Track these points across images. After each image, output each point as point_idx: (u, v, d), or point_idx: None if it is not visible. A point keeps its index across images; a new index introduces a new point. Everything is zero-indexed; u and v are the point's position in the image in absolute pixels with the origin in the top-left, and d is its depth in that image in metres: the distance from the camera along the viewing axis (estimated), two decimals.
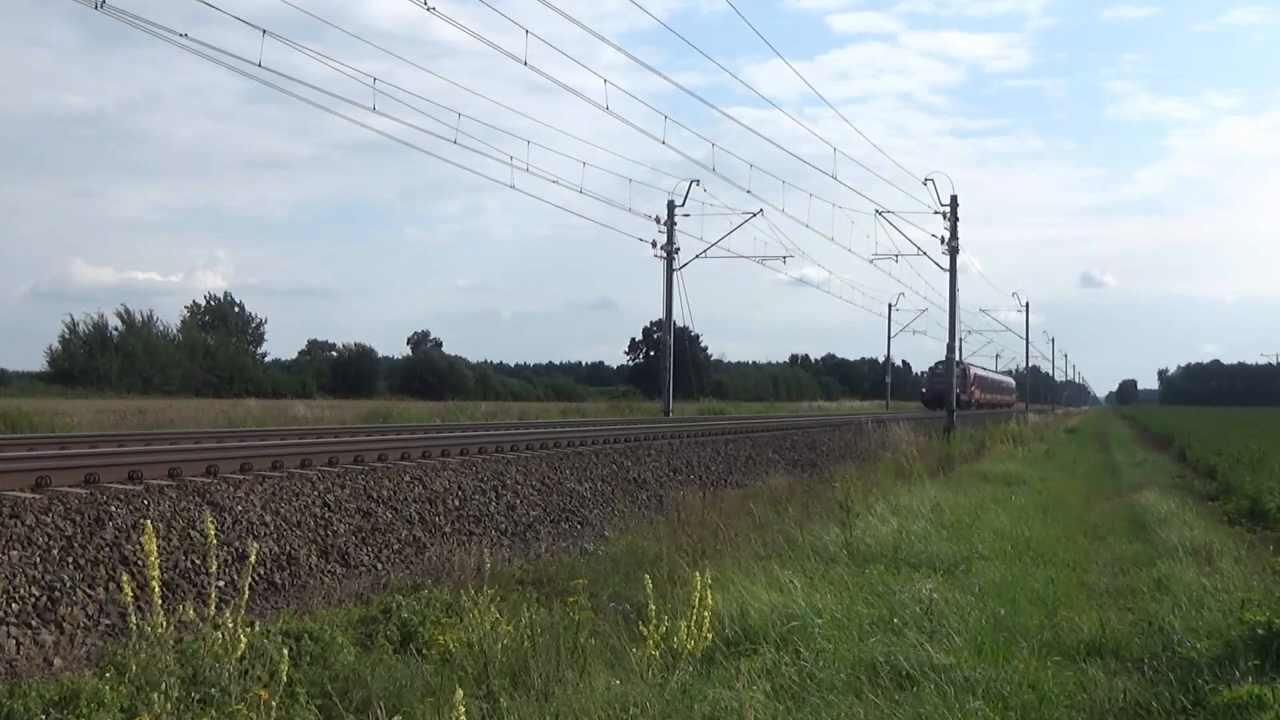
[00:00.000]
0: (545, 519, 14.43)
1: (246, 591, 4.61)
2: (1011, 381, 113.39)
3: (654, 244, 40.27)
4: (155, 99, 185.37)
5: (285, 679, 4.27)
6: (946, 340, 40.62)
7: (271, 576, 9.97)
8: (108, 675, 5.81)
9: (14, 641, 7.46)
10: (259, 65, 17.86)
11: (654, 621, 5.80)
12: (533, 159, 69.96)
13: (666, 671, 5.78)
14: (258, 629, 4.96)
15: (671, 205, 40.59)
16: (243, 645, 4.46)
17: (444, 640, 6.42)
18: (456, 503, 13.42)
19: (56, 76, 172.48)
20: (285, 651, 4.22)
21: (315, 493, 11.70)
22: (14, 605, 7.76)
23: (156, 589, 4.33)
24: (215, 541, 4.61)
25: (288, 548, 10.46)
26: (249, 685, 4.63)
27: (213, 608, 4.53)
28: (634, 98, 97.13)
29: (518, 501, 14.49)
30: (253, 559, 4.69)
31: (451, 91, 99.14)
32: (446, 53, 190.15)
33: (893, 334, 72.52)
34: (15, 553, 8.25)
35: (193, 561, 9.33)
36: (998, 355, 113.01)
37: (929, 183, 37.97)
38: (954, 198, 38.89)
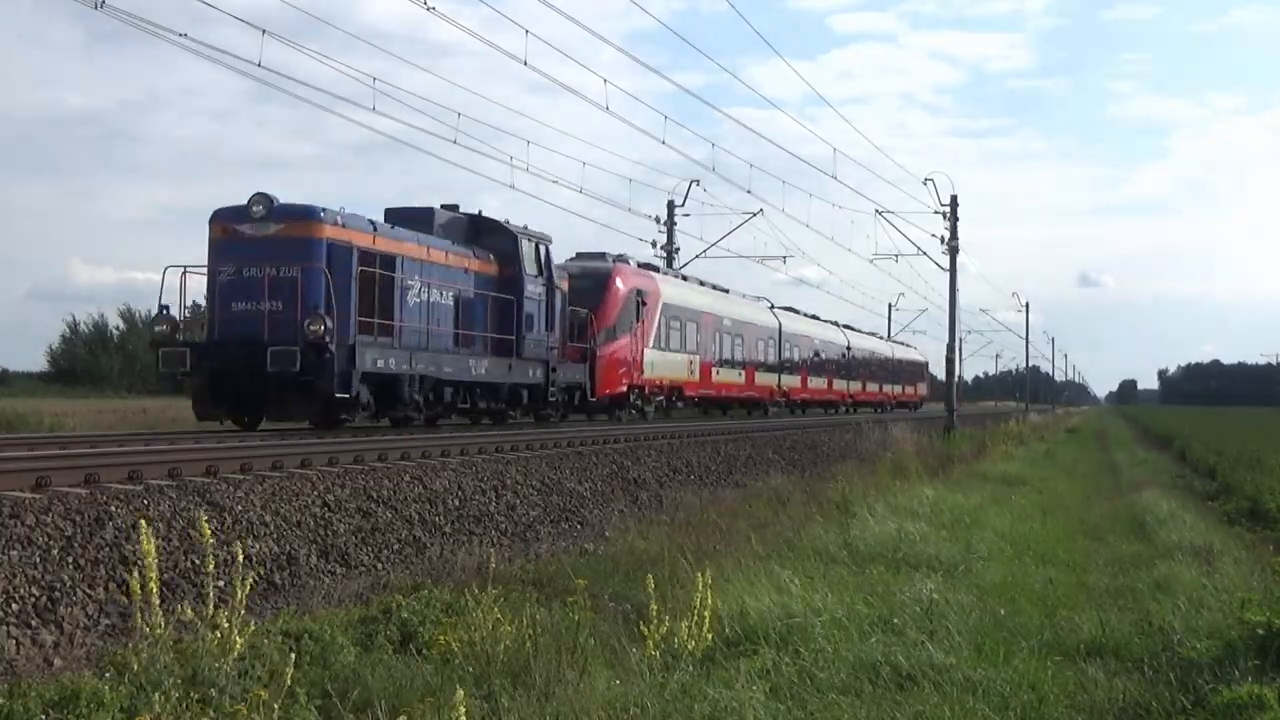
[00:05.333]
0: (545, 519, 14.43)
1: (243, 591, 4.61)
2: (909, 353, 66.20)
3: (654, 244, 40.25)
4: (155, 99, 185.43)
5: (288, 681, 4.27)
6: (946, 340, 40.60)
7: (271, 576, 9.97)
8: (108, 675, 5.81)
9: (14, 641, 7.46)
10: (259, 65, 17.59)
11: (655, 622, 5.81)
12: (533, 159, 69.68)
13: (666, 671, 5.79)
14: (254, 629, 4.97)
15: (671, 205, 40.63)
16: (239, 646, 4.46)
17: (445, 640, 6.42)
18: (456, 503, 13.42)
19: (56, 76, 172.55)
20: (291, 656, 4.21)
21: (315, 493, 11.69)
22: (14, 605, 7.76)
23: (155, 590, 4.32)
24: (213, 541, 4.61)
25: (288, 548, 10.45)
26: (248, 685, 4.63)
27: (210, 607, 4.53)
28: (634, 98, 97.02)
29: (518, 501, 14.49)
30: (240, 559, 4.69)
31: (451, 91, 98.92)
32: (446, 53, 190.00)
33: (893, 334, 72.37)
34: (15, 553, 8.25)
35: (192, 561, 9.32)
36: (997, 355, 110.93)
37: (929, 183, 37.82)
38: (954, 198, 38.92)
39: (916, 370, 66.71)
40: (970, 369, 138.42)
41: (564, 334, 23.80)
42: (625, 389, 27.30)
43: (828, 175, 37.98)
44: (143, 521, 4.55)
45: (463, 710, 3.63)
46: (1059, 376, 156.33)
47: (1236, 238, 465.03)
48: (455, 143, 23.67)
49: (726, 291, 37.71)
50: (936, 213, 38.73)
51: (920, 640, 6.68)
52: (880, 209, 41.19)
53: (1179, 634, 7.22)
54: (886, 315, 73.35)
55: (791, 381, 42.19)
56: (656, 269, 31.99)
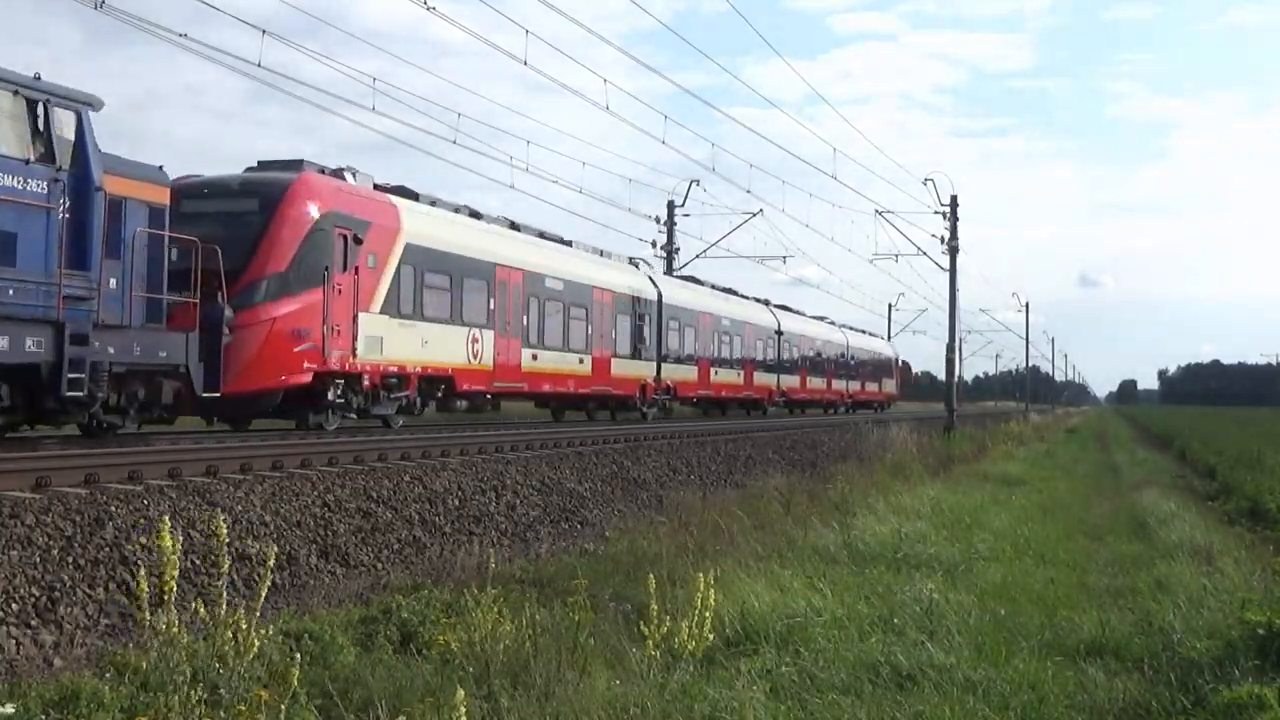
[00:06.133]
0: (545, 519, 14.43)
1: (264, 591, 4.62)
2: (874, 344, 57.98)
3: (654, 244, 40.34)
4: (156, 98, 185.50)
5: (295, 683, 4.27)
6: (947, 340, 40.62)
7: (271, 576, 9.97)
8: (108, 675, 5.81)
9: (14, 641, 7.46)
10: (259, 65, 17.55)
11: (655, 622, 5.82)
12: (533, 159, 69.56)
13: (667, 671, 5.79)
14: (267, 631, 4.98)
15: (671, 205, 40.68)
16: (256, 647, 4.47)
17: (445, 640, 6.43)
18: (456, 503, 13.42)
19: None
20: (296, 657, 4.22)
21: (315, 493, 11.69)
22: (14, 605, 7.76)
23: (173, 588, 4.33)
24: (225, 540, 4.63)
25: (288, 548, 10.46)
26: (249, 685, 4.64)
27: (224, 608, 4.54)
28: (634, 98, 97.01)
29: (518, 501, 14.49)
30: (271, 562, 4.72)
31: (451, 91, 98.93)
32: (446, 53, 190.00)
33: (892, 334, 72.35)
34: (15, 553, 8.25)
35: (192, 561, 9.32)
36: (998, 355, 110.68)
37: (929, 183, 37.88)
38: (954, 198, 38.97)
39: (883, 365, 57.63)
40: (970, 369, 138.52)
41: (137, 277, 13.56)
42: (310, 378, 16.88)
43: (828, 175, 38.09)
44: (165, 518, 4.56)
45: (463, 710, 3.64)
46: (1059, 377, 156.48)
47: (1236, 238, 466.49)
48: (455, 143, 23.54)
49: (568, 243, 26.81)
50: (936, 213, 38.79)
51: (920, 640, 6.68)
52: (880, 209, 41.17)
53: (1179, 634, 7.22)
54: (886, 315, 73.30)
55: (681, 374, 31.81)
56: (415, 196, 20.52)
